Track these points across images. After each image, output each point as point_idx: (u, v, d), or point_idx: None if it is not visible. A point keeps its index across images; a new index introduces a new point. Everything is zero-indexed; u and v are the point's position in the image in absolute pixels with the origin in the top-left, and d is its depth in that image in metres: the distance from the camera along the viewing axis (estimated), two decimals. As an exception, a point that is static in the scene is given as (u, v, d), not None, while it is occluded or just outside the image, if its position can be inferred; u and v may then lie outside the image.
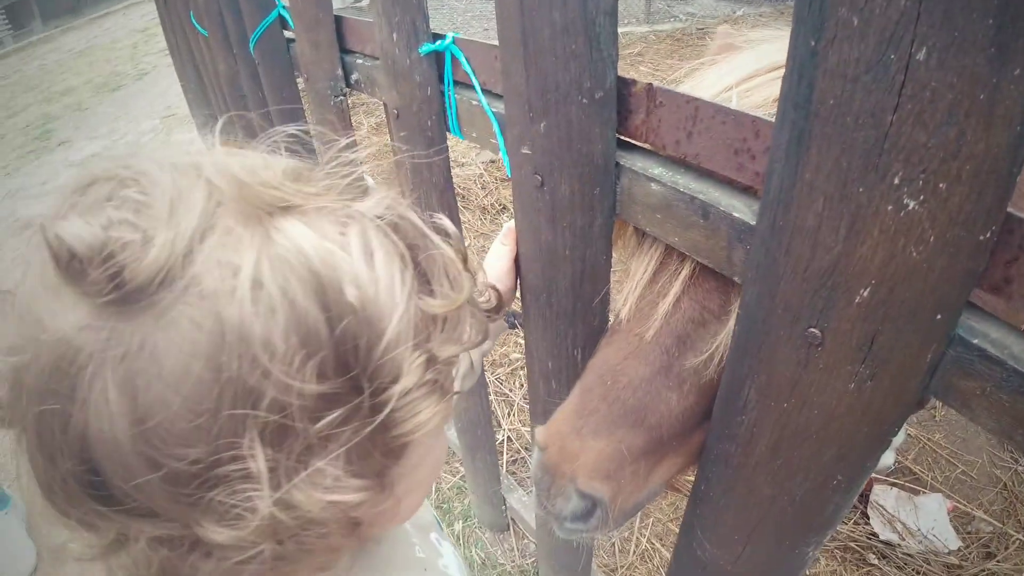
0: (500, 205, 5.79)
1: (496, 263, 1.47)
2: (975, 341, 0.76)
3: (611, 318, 1.34)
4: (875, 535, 3.03)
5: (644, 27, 10.60)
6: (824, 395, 0.90)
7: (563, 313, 1.43)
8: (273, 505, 0.58)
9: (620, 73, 1.07)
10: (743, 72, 1.18)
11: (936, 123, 0.65)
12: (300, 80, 2.66)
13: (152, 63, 12.60)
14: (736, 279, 1.00)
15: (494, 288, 1.26)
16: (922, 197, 0.69)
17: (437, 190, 1.87)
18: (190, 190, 0.58)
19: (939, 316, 0.75)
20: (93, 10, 19.22)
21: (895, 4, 0.63)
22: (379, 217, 0.68)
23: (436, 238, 0.73)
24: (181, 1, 4.32)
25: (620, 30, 10.12)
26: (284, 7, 2.52)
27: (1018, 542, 2.96)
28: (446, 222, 0.78)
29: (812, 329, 0.86)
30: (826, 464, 0.97)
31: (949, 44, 0.61)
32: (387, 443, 0.66)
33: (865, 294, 0.78)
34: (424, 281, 0.70)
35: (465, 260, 0.76)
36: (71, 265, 0.53)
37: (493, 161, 6.34)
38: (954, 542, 2.95)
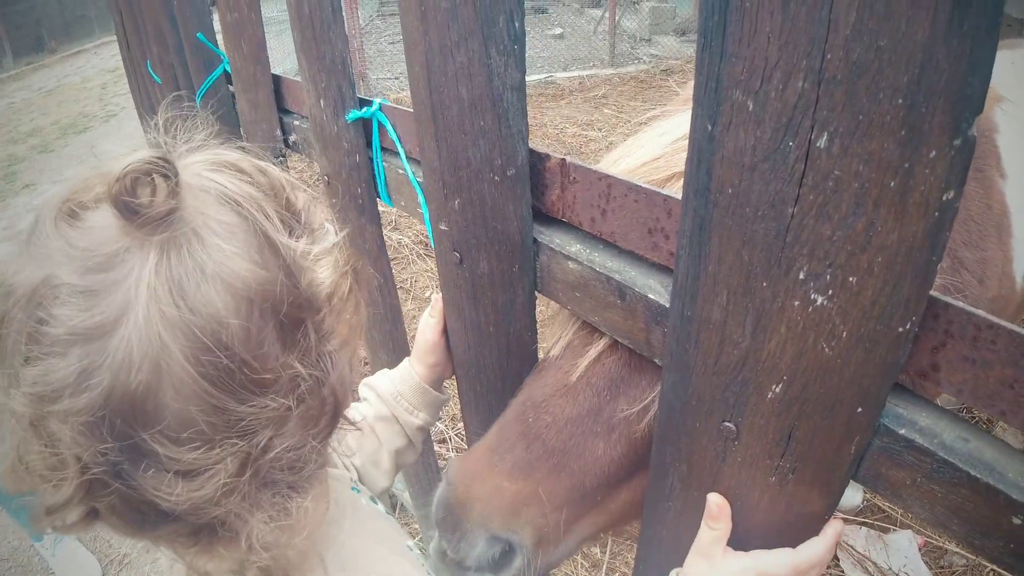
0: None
1: (423, 336, 1.44)
2: (902, 431, 0.72)
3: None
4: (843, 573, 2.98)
5: (608, 69, 10.71)
6: (746, 488, 0.86)
7: (492, 388, 1.39)
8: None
9: (572, 128, 1.04)
10: (679, 132, 1.12)
11: (841, 214, 0.61)
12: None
13: (120, 104, 12.52)
14: (657, 361, 0.95)
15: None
16: (830, 292, 0.65)
17: (371, 257, 1.82)
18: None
19: (860, 409, 0.71)
20: (65, 47, 19.17)
21: (792, 86, 0.59)
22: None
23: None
24: (139, 49, 4.30)
25: (585, 73, 10.24)
26: (229, 64, 2.49)
27: (992, 572, 2.93)
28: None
29: (727, 423, 0.82)
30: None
31: (853, 128, 0.57)
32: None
33: (777, 390, 0.74)
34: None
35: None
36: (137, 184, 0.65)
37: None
38: (927, 576, 2.91)
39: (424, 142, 1.14)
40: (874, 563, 2.97)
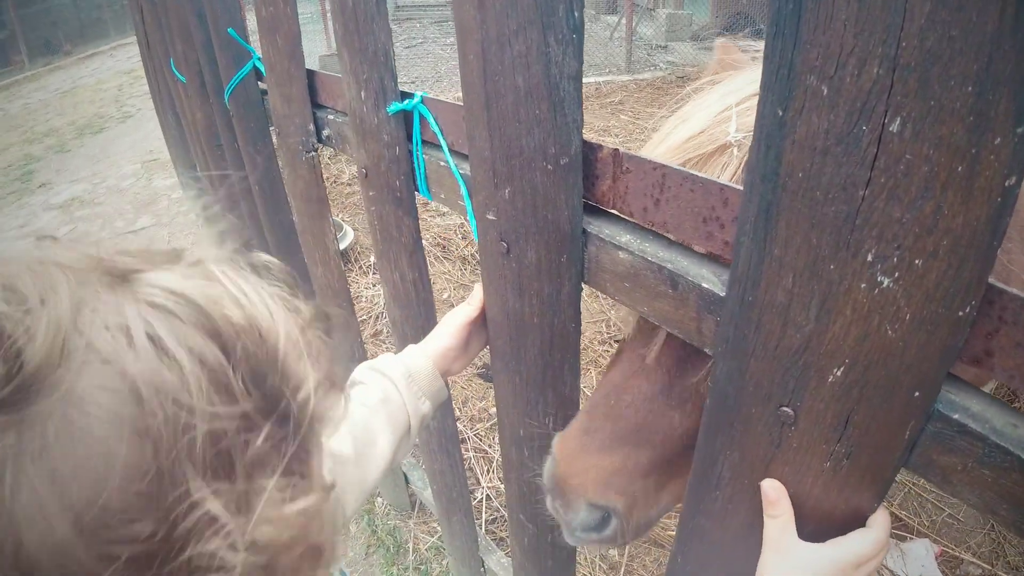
0: (482, 256, 5.76)
1: (452, 317, 1.47)
2: (955, 416, 0.72)
3: (581, 390, 1.33)
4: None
5: (625, 76, 10.76)
6: (799, 474, 0.87)
7: (533, 380, 1.40)
8: (249, 534, 0.58)
9: (587, 134, 1.05)
10: (744, 92, 1.17)
11: (911, 197, 0.62)
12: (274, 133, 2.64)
13: (136, 106, 12.60)
14: (707, 351, 0.96)
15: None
16: (897, 274, 0.66)
17: (407, 252, 1.83)
18: (49, 278, 0.57)
19: (917, 394, 0.72)
20: (81, 50, 19.30)
21: (867, 72, 0.60)
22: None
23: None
24: (161, 47, 4.31)
25: (601, 79, 10.28)
26: (259, 59, 2.50)
27: (1009, 587, 2.93)
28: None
29: (784, 408, 0.83)
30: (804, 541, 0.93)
31: (925, 114, 0.59)
32: (312, 443, 0.68)
33: (839, 373, 0.75)
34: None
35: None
36: None
37: (474, 214, 6.33)
38: (943, 586, 2.90)
39: (475, 131, 1.15)
40: (891, 571, 2.96)
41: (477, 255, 5.51)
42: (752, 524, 0.98)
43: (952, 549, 3.10)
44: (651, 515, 1.27)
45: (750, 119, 1.08)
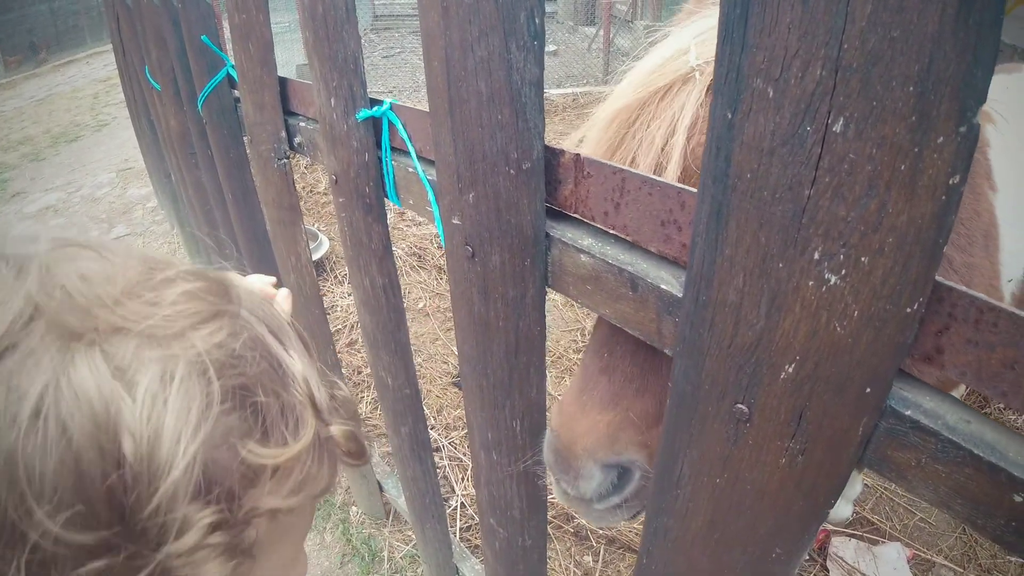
0: (455, 262, 5.77)
1: None
2: (907, 412, 0.74)
3: (553, 396, 1.34)
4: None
5: (602, 87, 10.86)
6: (756, 471, 0.88)
7: (499, 384, 1.41)
8: None
9: (565, 144, 1.07)
10: (700, 28, 1.22)
11: (855, 196, 0.64)
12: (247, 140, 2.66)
13: (112, 114, 12.54)
14: (667, 351, 0.98)
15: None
16: (843, 272, 0.68)
17: (376, 257, 1.85)
18: (5, 300, 0.55)
19: (868, 389, 0.74)
20: (57, 57, 19.20)
21: (811, 74, 0.62)
22: (214, 348, 0.62)
23: (293, 369, 0.68)
24: (137, 54, 4.32)
25: (579, 89, 10.36)
26: (232, 66, 2.52)
27: (979, 588, 2.98)
28: (298, 362, 0.71)
29: (739, 405, 0.84)
30: (763, 537, 0.95)
31: (867, 114, 0.60)
32: None
33: (790, 370, 0.77)
34: (256, 426, 0.64)
35: (313, 402, 0.70)
36: None
37: (451, 220, 6.35)
38: (915, 588, 2.95)
39: (440, 137, 1.17)
40: (863, 574, 3.00)
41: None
42: (713, 522, 1.00)
43: (924, 552, 3.15)
44: None
45: (709, 48, 1.13)
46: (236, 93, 2.64)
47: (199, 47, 2.59)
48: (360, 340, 4.80)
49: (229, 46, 2.46)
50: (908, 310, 0.67)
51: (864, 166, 0.62)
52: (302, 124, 2.09)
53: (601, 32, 12.07)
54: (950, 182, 0.60)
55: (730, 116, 0.70)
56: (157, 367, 0.58)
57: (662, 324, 0.97)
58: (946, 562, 3.10)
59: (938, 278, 0.67)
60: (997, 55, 0.55)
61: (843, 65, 0.60)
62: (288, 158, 2.28)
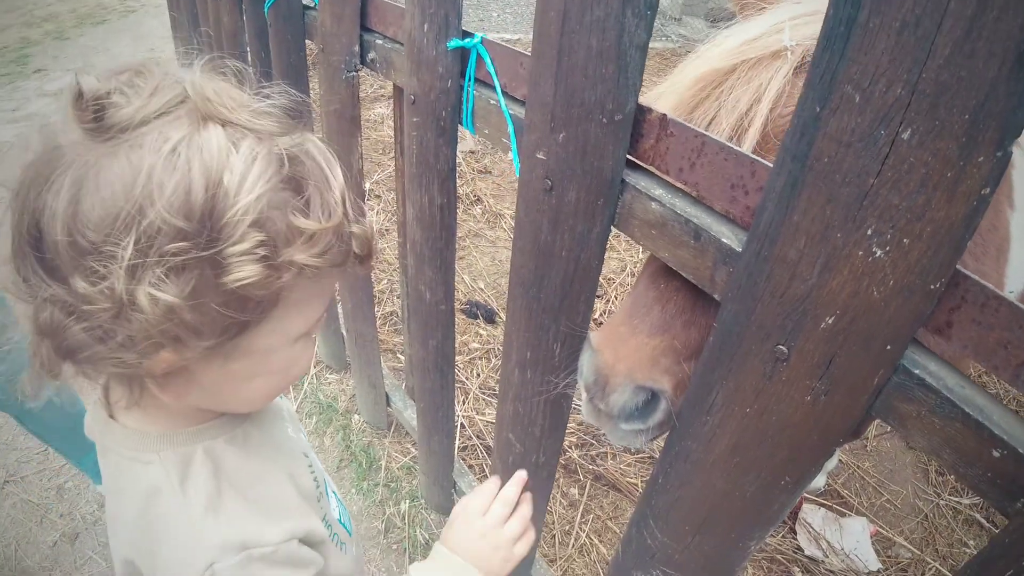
0: (475, 196, 5.85)
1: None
2: (916, 371, 0.90)
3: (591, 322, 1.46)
4: (800, 550, 3.21)
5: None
6: (783, 404, 1.04)
7: (550, 307, 1.54)
8: (123, 281, 0.77)
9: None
10: (795, 12, 1.31)
11: (909, 190, 0.79)
12: (310, 46, 2.73)
13: (140, 1, 12.37)
14: (716, 296, 1.13)
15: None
16: (888, 248, 0.83)
17: (440, 177, 1.97)
18: (169, 89, 0.86)
19: (889, 347, 0.90)
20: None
21: (892, 91, 0.77)
22: (288, 148, 0.90)
23: (334, 181, 0.95)
24: None
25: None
26: None
27: (934, 570, 3.17)
28: (339, 180, 0.97)
29: (780, 346, 1.00)
30: (777, 465, 1.12)
31: (930, 130, 0.75)
32: (220, 290, 0.83)
33: (830, 321, 0.93)
34: (303, 203, 0.90)
35: (345, 204, 0.95)
36: (78, 101, 0.81)
37: (472, 152, 6.41)
38: (874, 563, 3.15)
39: (541, 78, 1.29)
40: (828, 541, 3.18)
41: (470, 196, 5.63)
42: (736, 447, 1.16)
43: (886, 531, 3.33)
44: None
45: (802, 32, 1.25)
46: (304, 0, 2.71)
47: None
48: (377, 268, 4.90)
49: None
50: (932, 287, 0.83)
51: (920, 169, 0.78)
52: (378, 41, 2.18)
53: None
54: (982, 192, 0.76)
55: (818, 110, 0.84)
56: (253, 147, 0.86)
57: (716, 272, 1.12)
58: (905, 543, 3.28)
59: (958, 266, 0.83)
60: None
61: (919, 89, 0.75)
62: (358, 72, 2.38)
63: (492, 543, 1.39)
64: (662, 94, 1.44)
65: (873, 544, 3.24)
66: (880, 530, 3.33)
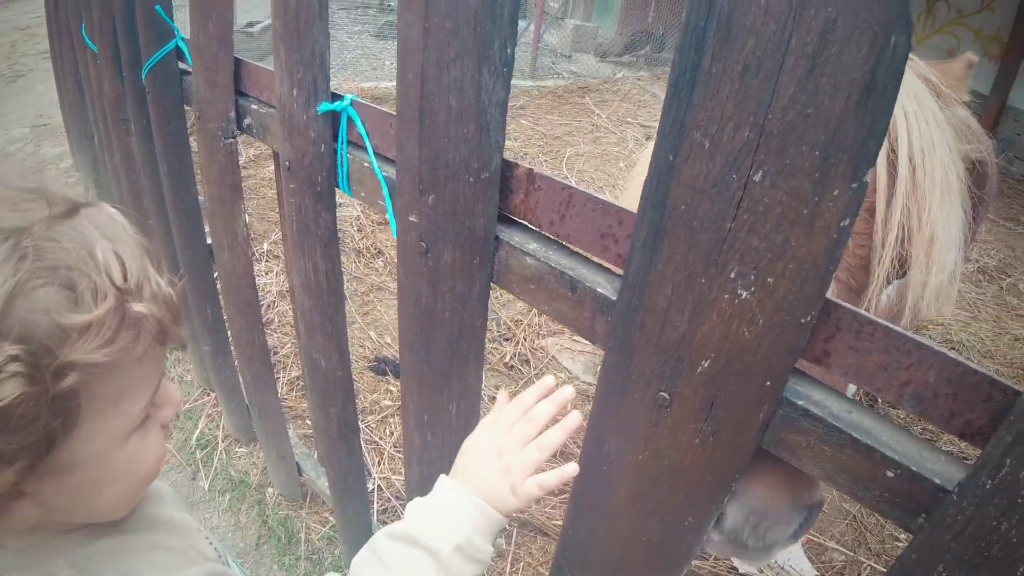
0: (375, 248, 5.79)
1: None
2: (800, 403, 0.91)
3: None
4: (735, 569, 3.21)
5: (528, 81, 10.94)
6: (673, 449, 1.04)
7: (439, 370, 1.53)
8: None
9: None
10: None
11: (766, 231, 0.80)
12: (188, 112, 2.66)
13: (29, 65, 11.92)
14: (598, 345, 1.12)
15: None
16: (753, 289, 0.84)
17: (322, 243, 1.93)
18: None
19: (768, 383, 0.90)
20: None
21: (740, 134, 0.78)
22: (45, 234, 0.81)
23: (101, 259, 0.84)
24: (73, 11, 4.18)
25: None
26: (183, 39, 2.53)
27: (869, 568, 3.21)
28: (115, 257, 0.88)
29: (662, 393, 1.00)
30: (677, 507, 1.11)
31: (781, 169, 0.77)
32: None
33: (706, 364, 0.93)
34: (69, 294, 0.80)
35: (114, 283, 0.85)
36: None
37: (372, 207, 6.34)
38: (810, 572, 3.16)
39: (406, 141, 1.28)
40: (761, 552, 3.18)
41: (371, 248, 5.59)
42: (635, 494, 1.16)
43: (817, 537, 3.36)
44: None
45: None
46: (182, 65, 2.64)
47: (150, 15, 2.58)
48: (276, 320, 4.79)
49: (177, 15, 2.47)
50: (803, 320, 0.84)
51: (775, 209, 0.79)
52: (253, 107, 2.14)
53: (531, 26, 12.15)
54: (841, 224, 0.76)
55: (671, 158, 0.85)
56: None
57: (596, 323, 1.12)
58: (838, 546, 3.31)
59: (828, 296, 0.83)
60: (887, 131, 0.72)
61: (766, 131, 0.76)
62: (235, 138, 2.33)
63: (504, 464, 1.15)
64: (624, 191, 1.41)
65: (806, 553, 3.25)
66: (811, 537, 3.35)
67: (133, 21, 2.73)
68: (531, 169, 1.16)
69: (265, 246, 5.59)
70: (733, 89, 0.77)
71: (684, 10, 0.82)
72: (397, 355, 4.48)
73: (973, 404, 0.78)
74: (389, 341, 4.73)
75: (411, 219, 1.36)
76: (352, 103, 1.61)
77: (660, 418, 1.03)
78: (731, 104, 0.77)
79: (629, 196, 1.35)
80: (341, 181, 1.73)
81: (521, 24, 13.96)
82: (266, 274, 5.30)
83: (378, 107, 1.56)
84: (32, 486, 0.82)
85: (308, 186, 1.83)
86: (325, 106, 1.65)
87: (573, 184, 1.11)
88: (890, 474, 0.85)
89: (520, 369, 4.51)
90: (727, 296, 0.86)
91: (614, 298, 1.06)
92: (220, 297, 3.14)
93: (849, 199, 0.75)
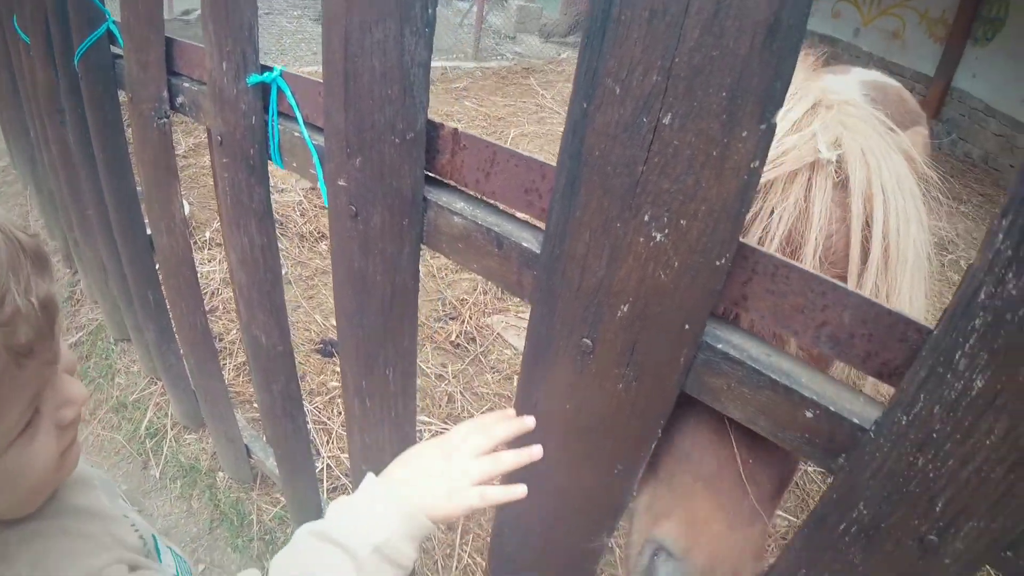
0: (319, 233, 5.77)
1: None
2: (719, 346, 0.93)
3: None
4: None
5: (471, 63, 10.92)
6: (598, 395, 1.07)
7: (374, 334, 1.54)
8: None
9: (432, 116, 1.20)
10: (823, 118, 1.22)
11: (677, 173, 0.82)
12: (123, 96, 2.62)
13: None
14: (526, 300, 1.14)
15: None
16: (667, 231, 0.86)
17: (256, 217, 1.93)
18: None
19: (687, 326, 0.93)
20: None
21: (649, 79, 0.80)
22: None
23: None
24: (4, 2, 4.09)
25: (448, 64, 10.25)
26: (114, 23, 2.49)
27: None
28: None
29: (585, 339, 1.02)
30: (607, 455, 1.14)
31: (689, 112, 0.79)
32: None
33: (625, 309, 0.95)
34: None
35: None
36: None
37: (313, 188, 6.32)
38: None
39: (332, 106, 1.29)
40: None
41: (314, 232, 5.56)
42: (565, 444, 1.18)
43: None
44: None
45: (833, 134, 1.18)
46: (115, 50, 2.60)
47: (82, 1, 2.53)
48: (221, 307, 4.75)
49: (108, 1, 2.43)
50: (718, 263, 0.86)
51: (685, 151, 0.81)
52: (186, 85, 2.12)
53: (474, 8, 12.09)
54: (751, 166, 0.79)
55: (586, 106, 0.87)
56: None
57: (522, 277, 1.14)
58: (781, 512, 3.39)
59: (743, 240, 0.86)
60: (794, 71, 0.74)
61: (674, 74, 0.78)
62: (168, 118, 2.30)
63: (447, 468, 1.16)
64: None
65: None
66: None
67: (65, 9, 2.68)
68: (456, 129, 1.17)
69: (207, 234, 5.52)
70: (641, 35, 0.79)
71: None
72: (341, 334, 4.48)
73: (889, 344, 0.80)
74: (335, 324, 4.71)
75: (340, 183, 1.37)
76: (282, 74, 1.61)
77: (584, 365, 1.05)
78: (639, 49, 0.79)
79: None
80: (273, 153, 1.72)
81: (464, 5, 13.92)
82: (209, 262, 5.24)
83: (307, 76, 1.56)
84: None
85: (241, 159, 1.82)
86: (255, 78, 1.64)
87: (496, 143, 1.12)
88: (809, 414, 0.87)
89: (466, 347, 4.53)
90: (642, 239, 0.89)
91: (538, 251, 1.08)
92: (161, 285, 3.10)
93: (758, 141, 0.77)
